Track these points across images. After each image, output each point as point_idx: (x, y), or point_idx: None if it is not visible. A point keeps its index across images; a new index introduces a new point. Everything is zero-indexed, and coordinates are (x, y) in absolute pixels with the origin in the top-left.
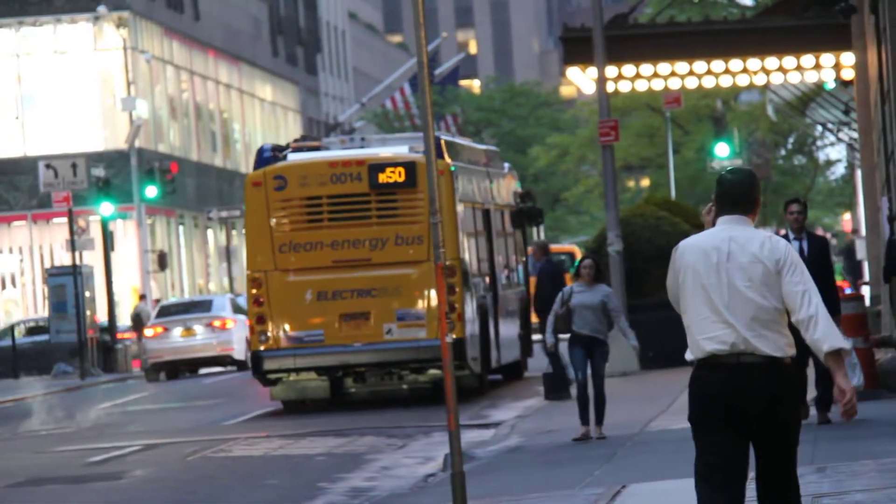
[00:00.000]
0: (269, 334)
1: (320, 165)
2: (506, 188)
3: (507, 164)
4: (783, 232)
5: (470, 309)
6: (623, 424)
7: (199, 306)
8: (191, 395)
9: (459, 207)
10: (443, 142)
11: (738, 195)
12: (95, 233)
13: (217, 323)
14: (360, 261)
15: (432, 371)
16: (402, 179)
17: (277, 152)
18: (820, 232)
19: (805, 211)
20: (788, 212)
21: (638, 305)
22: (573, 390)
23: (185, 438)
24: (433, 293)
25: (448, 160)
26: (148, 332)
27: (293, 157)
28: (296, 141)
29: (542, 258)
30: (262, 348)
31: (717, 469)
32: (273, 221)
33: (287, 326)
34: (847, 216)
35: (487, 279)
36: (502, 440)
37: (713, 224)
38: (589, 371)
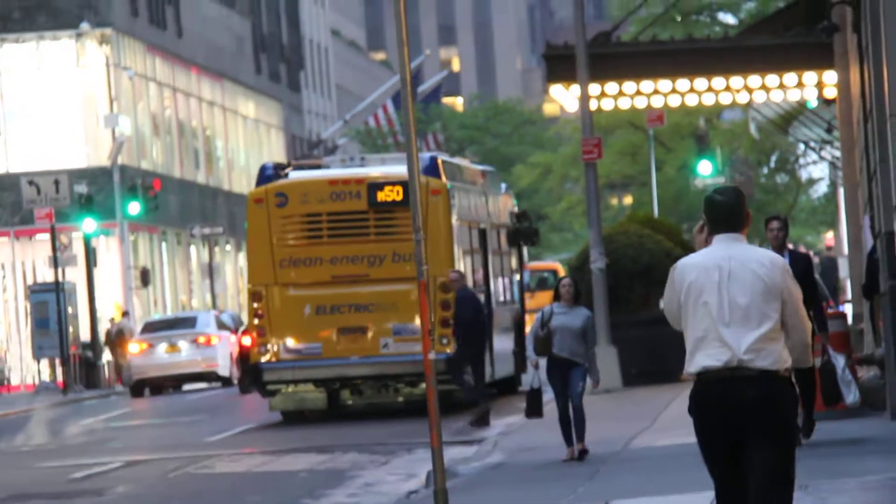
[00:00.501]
0: (269, 347)
1: (321, 183)
2: (502, 207)
3: (504, 185)
4: None
5: None
6: (606, 441)
7: (183, 323)
8: (173, 411)
9: (455, 225)
10: (439, 161)
11: (729, 214)
12: (78, 249)
13: (202, 339)
14: (358, 276)
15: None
16: (399, 198)
17: (279, 170)
18: (803, 250)
19: (786, 228)
20: (769, 229)
21: (621, 322)
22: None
23: (167, 455)
24: (430, 307)
25: (444, 180)
26: (133, 348)
27: (294, 175)
28: (297, 159)
29: (461, 286)
30: (261, 360)
31: (725, 490)
32: (274, 237)
33: (286, 339)
34: (829, 234)
35: (482, 295)
36: (485, 457)
37: (706, 243)
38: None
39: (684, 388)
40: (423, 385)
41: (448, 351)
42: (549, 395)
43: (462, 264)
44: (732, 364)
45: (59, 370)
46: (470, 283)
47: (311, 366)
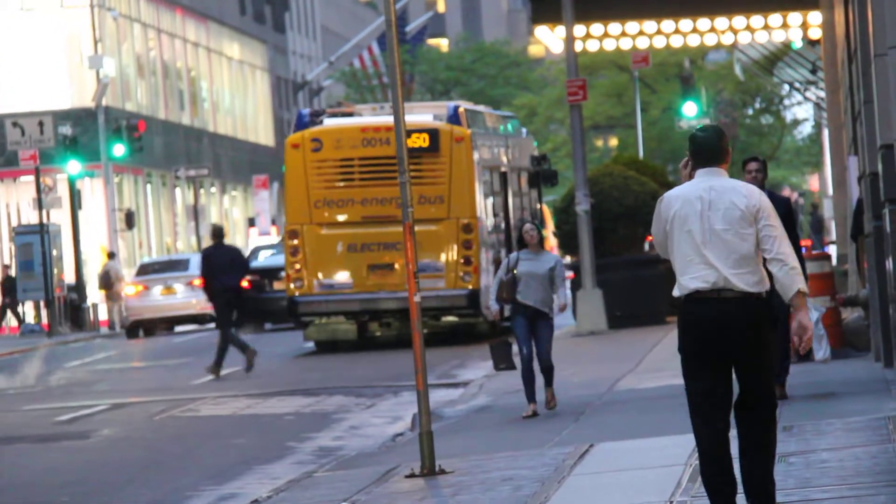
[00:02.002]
0: (304, 281)
1: (353, 130)
2: (522, 151)
3: (524, 130)
4: None
5: (485, 262)
6: (591, 384)
7: (177, 265)
8: (159, 354)
9: (478, 170)
10: (462, 110)
11: (711, 150)
12: (63, 191)
13: (197, 281)
14: (387, 217)
15: (448, 318)
16: (426, 145)
17: (315, 117)
18: (787, 192)
19: (764, 169)
20: (746, 171)
21: (606, 265)
22: (517, 361)
23: (153, 398)
24: (453, 247)
25: (466, 127)
26: (129, 290)
27: (329, 122)
28: (331, 107)
29: (212, 243)
30: (296, 294)
31: (705, 396)
32: (310, 180)
33: (320, 274)
34: (814, 175)
35: (503, 236)
36: (470, 400)
37: (690, 177)
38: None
39: (669, 329)
40: (446, 318)
41: (470, 287)
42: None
43: (483, 206)
44: (718, 286)
45: (43, 312)
46: (491, 222)
47: (343, 299)
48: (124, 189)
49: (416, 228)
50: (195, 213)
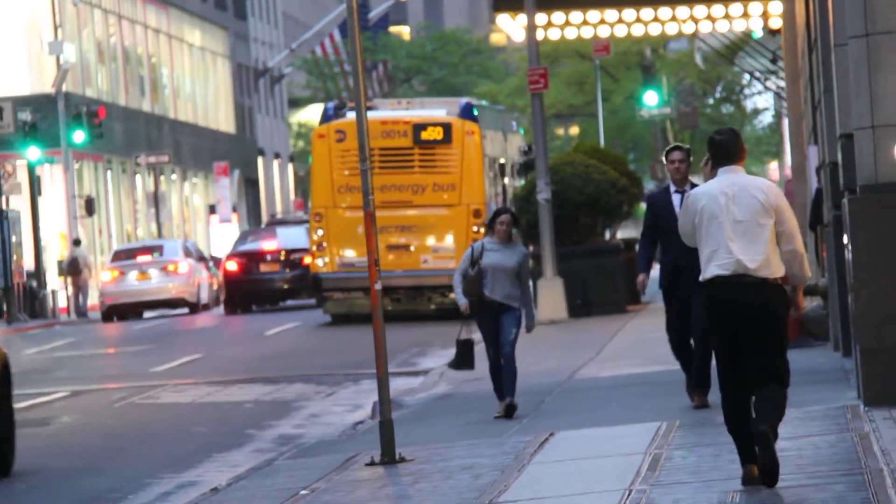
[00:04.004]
0: (327, 259)
1: (374, 123)
2: (514, 144)
3: (514, 123)
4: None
5: None
6: (551, 372)
7: (151, 250)
8: (120, 341)
9: (486, 161)
10: (473, 105)
11: (729, 150)
12: (22, 177)
13: (171, 267)
14: (404, 202)
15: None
16: (440, 137)
17: (339, 111)
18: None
19: (688, 159)
20: (669, 161)
21: (567, 253)
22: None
23: (112, 385)
24: (463, 230)
25: (476, 123)
26: (105, 276)
27: (351, 115)
28: (352, 102)
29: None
30: (321, 271)
31: (730, 383)
32: (334, 167)
33: (342, 254)
34: (774, 164)
35: None
36: (431, 388)
37: (711, 174)
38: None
39: (630, 318)
40: (453, 295)
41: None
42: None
43: (489, 193)
44: (739, 272)
45: (2, 299)
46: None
47: (362, 276)
48: (84, 175)
49: (430, 213)
50: (156, 200)
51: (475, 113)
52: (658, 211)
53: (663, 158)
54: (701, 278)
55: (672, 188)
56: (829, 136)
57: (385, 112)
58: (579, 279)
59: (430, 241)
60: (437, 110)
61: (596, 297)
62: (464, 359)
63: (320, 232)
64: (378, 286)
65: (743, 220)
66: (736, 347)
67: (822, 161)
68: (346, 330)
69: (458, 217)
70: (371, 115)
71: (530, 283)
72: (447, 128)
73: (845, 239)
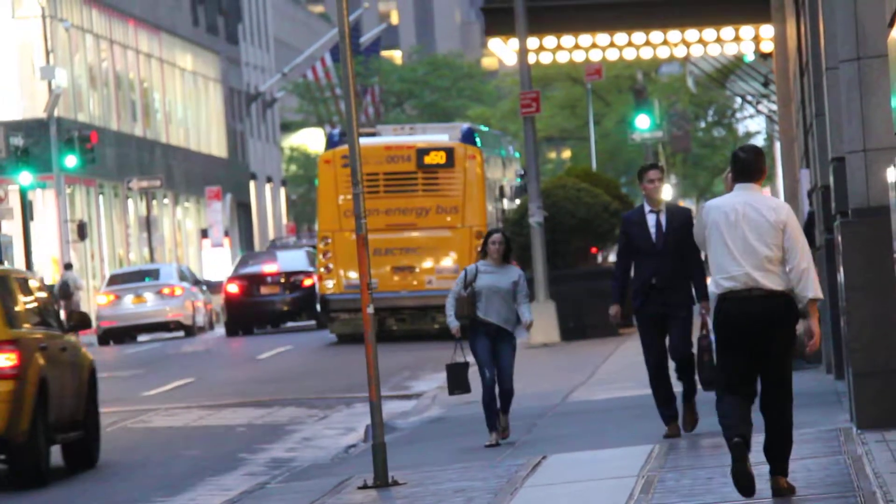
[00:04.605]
0: (334, 282)
1: (379, 149)
2: (512, 168)
3: (511, 147)
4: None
5: None
6: (543, 395)
7: (147, 274)
8: (112, 365)
9: (487, 184)
10: (474, 131)
11: (749, 169)
12: (14, 202)
13: (166, 290)
14: (408, 225)
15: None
16: (443, 161)
17: (343, 136)
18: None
19: (664, 177)
20: (647, 180)
21: (559, 277)
22: (479, 384)
23: (105, 409)
24: (467, 251)
25: (479, 146)
26: (101, 299)
27: None
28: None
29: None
30: (328, 292)
31: (733, 387)
32: (340, 192)
33: (348, 275)
34: (766, 188)
35: None
36: (423, 411)
37: (731, 187)
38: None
39: (621, 341)
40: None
41: None
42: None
43: (493, 216)
44: (748, 285)
45: None
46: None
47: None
48: (76, 200)
49: (434, 235)
50: (148, 224)
51: (476, 137)
52: (632, 232)
53: (637, 178)
54: (710, 290)
55: (647, 208)
56: (821, 159)
57: (389, 138)
58: (572, 302)
59: (435, 262)
60: (439, 135)
61: (588, 321)
62: (458, 382)
63: (327, 254)
64: (370, 310)
65: (752, 236)
66: (742, 355)
67: (814, 184)
68: (338, 352)
69: (461, 239)
70: (375, 140)
71: (527, 300)
72: (450, 152)
73: (838, 262)
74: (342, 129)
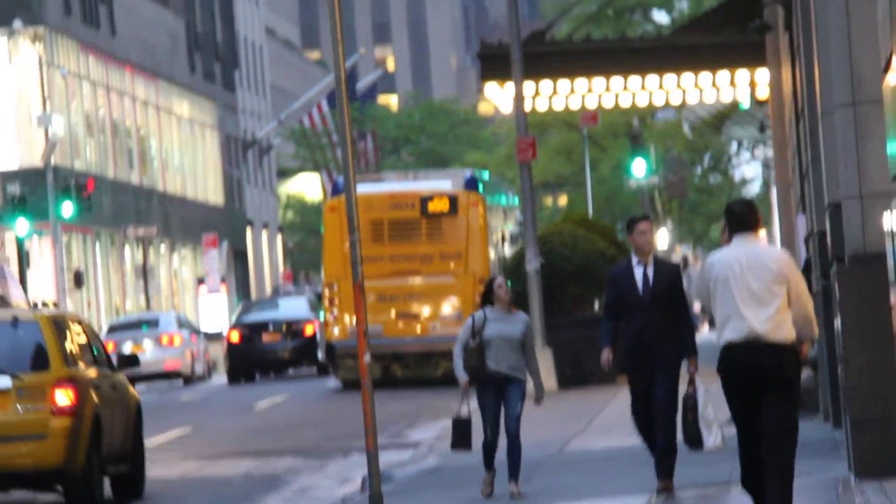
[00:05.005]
0: (339, 328)
1: (383, 196)
2: (512, 214)
3: (510, 193)
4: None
5: None
6: (542, 444)
7: (146, 323)
8: None
9: (489, 230)
10: (478, 178)
11: (745, 220)
12: (11, 251)
13: (165, 339)
14: (412, 271)
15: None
16: (446, 209)
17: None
18: (676, 259)
19: (653, 230)
20: (638, 231)
21: (556, 324)
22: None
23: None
24: (470, 297)
25: (481, 194)
26: None
27: (361, 189)
28: (361, 175)
29: None
30: (334, 339)
31: (745, 430)
32: (345, 239)
33: (353, 322)
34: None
35: None
36: (421, 461)
37: (728, 241)
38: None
39: (619, 389)
40: None
41: None
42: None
43: (495, 262)
44: (752, 337)
45: None
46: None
47: (374, 344)
48: (73, 248)
49: (438, 281)
50: (144, 272)
51: (479, 185)
52: (620, 285)
53: (627, 229)
54: (717, 342)
55: (634, 260)
56: (818, 205)
57: (393, 185)
58: (569, 350)
59: (438, 308)
60: (442, 182)
61: (586, 368)
62: (461, 439)
63: (333, 301)
64: (367, 358)
65: (756, 287)
66: (749, 405)
67: (811, 230)
68: (336, 401)
69: (465, 285)
70: (380, 187)
71: (535, 354)
72: (453, 200)
73: (835, 309)
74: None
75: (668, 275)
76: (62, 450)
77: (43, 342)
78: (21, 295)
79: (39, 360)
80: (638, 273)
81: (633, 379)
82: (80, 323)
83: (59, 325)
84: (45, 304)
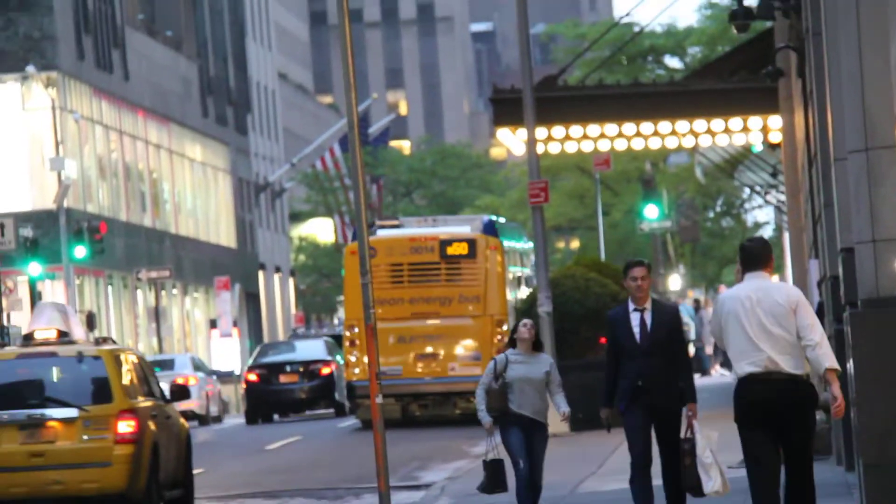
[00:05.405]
0: (360, 368)
1: (403, 240)
2: (529, 258)
3: (525, 237)
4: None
5: None
6: (553, 486)
7: (161, 365)
8: None
9: (507, 274)
10: (496, 223)
11: (758, 257)
12: (23, 293)
13: (180, 381)
14: (432, 313)
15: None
16: (465, 252)
17: (370, 228)
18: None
19: (650, 275)
20: (630, 277)
21: (568, 367)
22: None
23: None
24: (488, 339)
25: (497, 239)
26: None
27: (381, 233)
28: (380, 220)
29: None
30: (354, 379)
31: (758, 460)
32: None
33: None
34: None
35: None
36: (433, 502)
37: (741, 279)
38: None
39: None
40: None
41: None
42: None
43: (511, 304)
44: (771, 368)
45: None
46: (514, 318)
47: (394, 384)
48: (85, 291)
49: (457, 323)
50: (156, 314)
51: (497, 229)
52: (616, 331)
53: (623, 274)
54: (733, 376)
55: (631, 307)
56: (830, 249)
57: (413, 230)
58: (580, 392)
59: (457, 349)
60: (461, 227)
61: (597, 411)
62: (495, 481)
63: (354, 342)
64: (379, 399)
65: (767, 321)
66: (764, 437)
67: (824, 275)
68: (349, 442)
69: (483, 327)
70: (400, 232)
71: (561, 388)
72: (472, 243)
73: (847, 353)
74: (370, 221)
75: (668, 319)
76: (125, 475)
77: (106, 375)
78: (82, 332)
79: (103, 392)
80: (635, 319)
81: (627, 423)
82: (136, 356)
83: (119, 360)
84: (105, 340)
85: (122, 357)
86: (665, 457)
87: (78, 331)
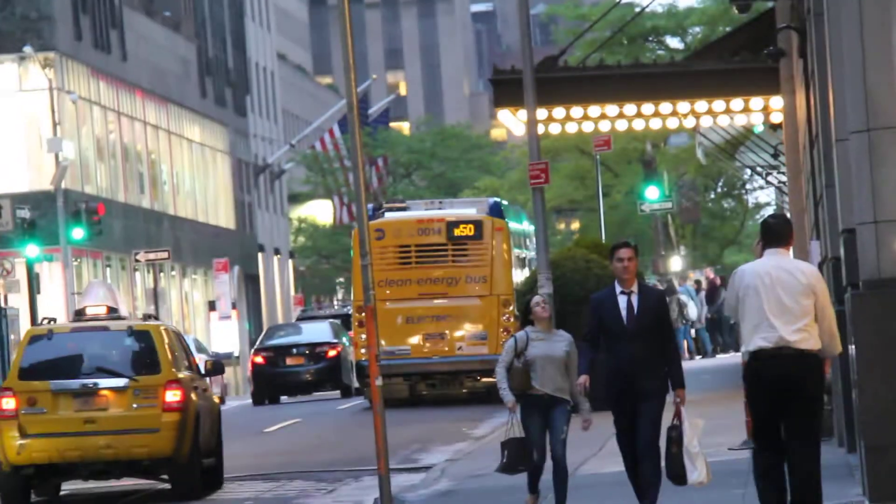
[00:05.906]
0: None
1: (410, 222)
2: (530, 238)
3: (528, 220)
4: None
5: None
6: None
7: None
8: None
9: (513, 255)
10: (501, 205)
11: (779, 234)
12: (21, 275)
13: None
14: (439, 294)
15: (486, 379)
16: (472, 233)
17: (377, 211)
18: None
19: (637, 256)
20: (616, 258)
21: None
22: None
23: (112, 483)
24: (495, 318)
25: (503, 220)
26: None
27: (389, 216)
28: (388, 202)
29: None
30: (363, 358)
31: (763, 432)
32: (374, 263)
33: (382, 343)
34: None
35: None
36: (432, 484)
37: (761, 254)
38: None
39: None
40: (485, 379)
41: None
42: None
43: (516, 284)
44: (782, 344)
45: None
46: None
47: (402, 364)
48: (83, 272)
49: (464, 303)
50: (155, 296)
51: (503, 211)
52: (603, 314)
53: (609, 256)
54: (744, 350)
55: (618, 289)
56: (832, 231)
57: (420, 212)
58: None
59: (464, 329)
60: (467, 209)
61: (598, 393)
62: (518, 458)
63: (362, 323)
64: (379, 381)
65: (785, 298)
66: (772, 410)
67: (825, 256)
68: (349, 424)
69: (490, 307)
70: (407, 214)
71: (576, 374)
72: (478, 225)
73: (849, 334)
74: (377, 203)
75: (655, 302)
76: (172, 441)
77: (154, 348)
78: (125, 310)
79: (151, 364)
80: (622, 301)
81: (615, 410)
82: (176, 333)
83: (161, 335)
84: (151, 316)
85: (165, 333)
86: (645, 441)
87: (123, 308)
